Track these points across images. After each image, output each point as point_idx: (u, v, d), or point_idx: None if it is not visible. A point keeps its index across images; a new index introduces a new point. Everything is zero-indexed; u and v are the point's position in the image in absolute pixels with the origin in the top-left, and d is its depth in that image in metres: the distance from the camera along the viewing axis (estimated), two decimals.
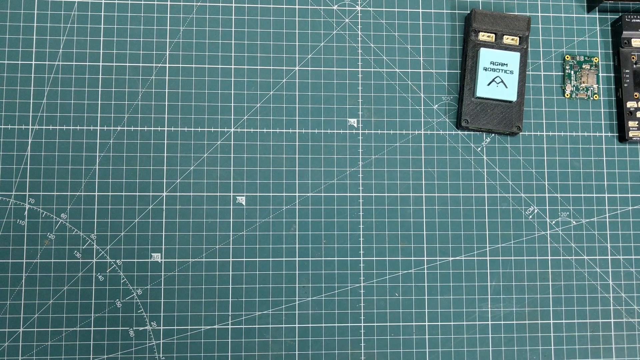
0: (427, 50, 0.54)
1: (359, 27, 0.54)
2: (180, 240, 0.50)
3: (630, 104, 0.53)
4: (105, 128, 0.51)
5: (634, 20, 0.53)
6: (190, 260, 0.50)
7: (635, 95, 0.53)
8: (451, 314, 0.51)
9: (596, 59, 0.54)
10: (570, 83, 0.54)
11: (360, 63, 0.53)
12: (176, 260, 0.50)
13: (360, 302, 0.51)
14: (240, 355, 0.50)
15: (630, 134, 0.53)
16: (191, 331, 0.50)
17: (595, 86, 0.54)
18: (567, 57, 0.54)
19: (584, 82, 0.54)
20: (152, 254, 0.50)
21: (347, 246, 0.51)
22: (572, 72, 0.54)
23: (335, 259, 0.51)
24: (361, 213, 0.52)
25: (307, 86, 0.53)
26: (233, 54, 0.53)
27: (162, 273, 0.50)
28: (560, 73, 0.54)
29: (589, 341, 0.52)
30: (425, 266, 0.51)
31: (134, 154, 0.51)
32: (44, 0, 0.52)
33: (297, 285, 0.51)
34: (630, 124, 0.53)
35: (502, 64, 0.52)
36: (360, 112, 0.53)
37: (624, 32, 0.53)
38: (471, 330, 0.51)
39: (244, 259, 0.51)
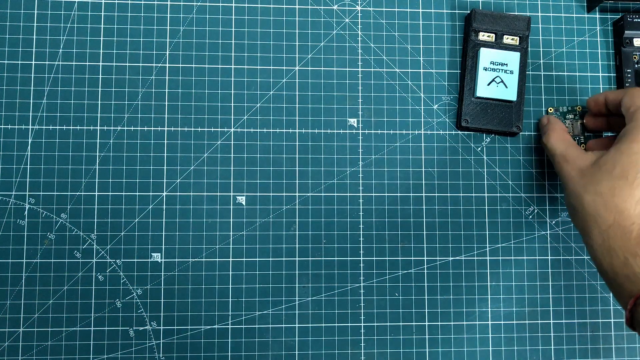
0: (427, 50, 0.54)
1: (359, 27, 0.53)
2: (180, 240, 0.50)
3: None
4: (105, 128, 0.51)
5: (636, 20, 0.53)
6: (190, 260, 0.50)
7: None
8: (451, 314, 0.51)
9: (579, 108, 0.53)
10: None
11: (360, 63, 0.53)
12: (176, 260, 0.50)
13: (360, 302, 0.51)
14: (240, 355, 0.50)
15: None
16: (191, 331, 0.50)
17: (582, 137, 0.53)
18: (551, 109, 0.53)
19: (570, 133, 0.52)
20: (152, 254, 0.50)
21: (347, 246, 0.51)
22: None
23: (335, 259, 0.51)
24: (361, 213, 0.52)
25: (307, 86, 0.53)
26: (233, 54, 0.53)
27: (162, 273, 0.50)
28: (560, 73, 0.54)
29: (589, 341, 0.52)
30: (425, 266, 0.51)
31: (134, 154, 0.51)
32: (44, 0, 0.52)
33: (297, 285, 0.51)
34: None
35: (502, 64, 0.52)
36: (360, 112, 0.53)
37: (625, 32, 0.53)
38: (471, 330, 0.51)
39: (244, 259, 0.51)
